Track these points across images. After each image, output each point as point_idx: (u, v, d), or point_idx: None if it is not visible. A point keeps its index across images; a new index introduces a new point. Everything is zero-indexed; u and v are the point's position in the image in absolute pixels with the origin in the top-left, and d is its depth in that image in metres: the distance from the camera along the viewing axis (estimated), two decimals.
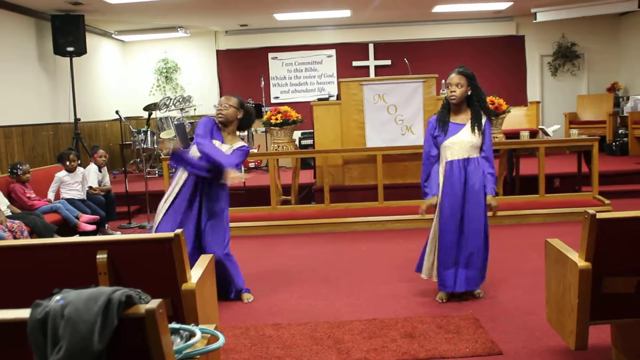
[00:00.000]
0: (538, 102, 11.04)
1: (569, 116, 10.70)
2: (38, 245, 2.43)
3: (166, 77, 11.65)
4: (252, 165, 9.51)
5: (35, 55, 8.44)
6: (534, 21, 10.50)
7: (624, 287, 2.55)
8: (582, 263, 2.50)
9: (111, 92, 10.88)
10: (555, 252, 2.76)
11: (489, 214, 3.92)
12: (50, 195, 6.31)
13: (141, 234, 2.60)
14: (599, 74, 11.36)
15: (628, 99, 10.47)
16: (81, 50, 8.60)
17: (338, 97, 7.60)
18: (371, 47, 11.55)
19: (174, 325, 1.95)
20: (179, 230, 2.34)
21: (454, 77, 3.82)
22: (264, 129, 9.11)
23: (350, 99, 7.03)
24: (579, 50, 11.33)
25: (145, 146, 8.99)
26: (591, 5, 9.77)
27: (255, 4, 8.96)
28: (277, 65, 11.69)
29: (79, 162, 6.80)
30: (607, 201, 6.38)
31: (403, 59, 9.18)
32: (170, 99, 9.96)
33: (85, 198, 6.50)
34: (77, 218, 6.08)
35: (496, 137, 6.88)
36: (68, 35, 8.42)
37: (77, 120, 8.70)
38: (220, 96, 11.53)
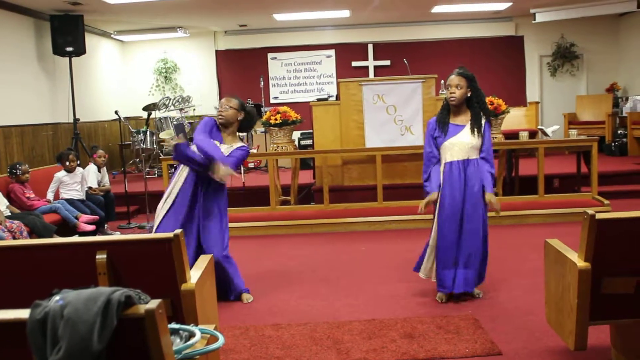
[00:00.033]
0: (537, 103, 11.04)
1: (568, 116, 10.71)
2: (37, 246, 2.43)
3: (165, 77, 11.65)
4: (251, 165, 9.51)
5: (35, 55, 8.43)
6: (533, 22, 10.50)
7: (623, 287, 2.55)
8: (581, 263, 2.50)
9: (110, 92, 10.88)
10: (554, 253, 2.76)
11: (492, 213, 3.91)
12: (50, 195, 6.31)
13: (140, 234, 2.60)
14: (598, 75, 11.37)
15: (627, 99, 10.48)
16: (80, 50, 8.59)
17: (337, 98, 7.60)
18: (370, 48, 11.55)
19: (173, 325, 1.95)
20: (178, 231, 2.34)
21: (454, 79, 3.82)
22: (263, 129, 9.11)
23: (350, 99, 7.04)
24: (578, 50, 11.34)
25: (144, 146, 8.98)
26: (590, 5, 9.78)
27: (255, 4, 8.96)
28: (276, 66, 11.69)
29: (78, 162, 6.80)
30: (606, 201, 6.38)
31: (402, 59, 9.18)
32: (170, 99, 9.96)
33: (85, 198, 6.50)
34: (77, 218, 6.08)
35: (495, 138, 6.88)
36: (67, 35, 8.42)
37: (76, 120, 8.70)
38: (220, 96, 11.56)
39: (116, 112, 7.45)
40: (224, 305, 3.97)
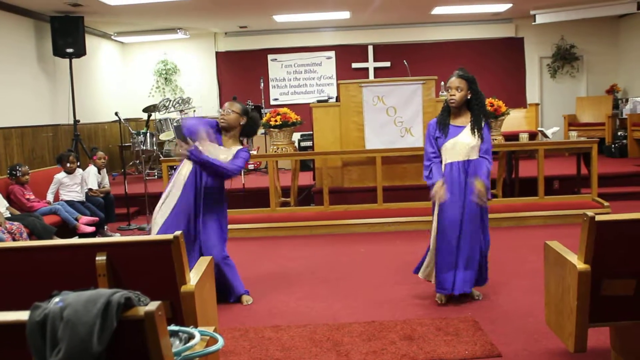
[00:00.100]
0: (537, 104, 11.05)
1: (568, 118, 10.72)
2: (37, 247, 2.43)
3: (165, 78, 11.66)
4: (251, 167, 9.51)
5: (35, 56, 8.44)
6: (533, 23, 10.51)
7: (623, 289, 2.55)
8: (581, 265, 2.50)
9: (110, 94, 10.88)
10: (554, 254, 2.76)
11: (477, 200, 3.76)
12: (50, 196, 6.31)
13: (140, 236, 2.60)
14: (598, 76, 11.38)
15: (627, 101, 10.48)
16: (80, 51, 8.60)
17: (337, 99, 7.61)
18: (370, 49, 11.56)
19: (173, 327, 1.95)
20: (178, 232, 2.34)
21: (454, 81, 3.82)
22: (263, 131, 9.11)
23: (350, 100, 7.04)
24: (578, 52, 11.34)
25: (144, 148, 8.99)
26: (590, 7, 9.79)
27: (255, 5, 8.97)
28: (276, 67, 11.70)
29: (78, 163, 6.80)
30: (606, 203, 6.38)
31: (402, 60, 9.19)
32: (170, 101, 9.97)
33: (85, 200, 6.50)
34: (77, 220, 6.08)
35: (495, 139, 6.87)
36: (67, 37, 8.43)
37: (76, 121, 8.71)
38: (220, 98, 11.58)
39: (116, 114, 7.45)
40: (223, 307, 3.97)
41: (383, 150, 6.78)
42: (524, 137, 7.15)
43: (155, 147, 9.33)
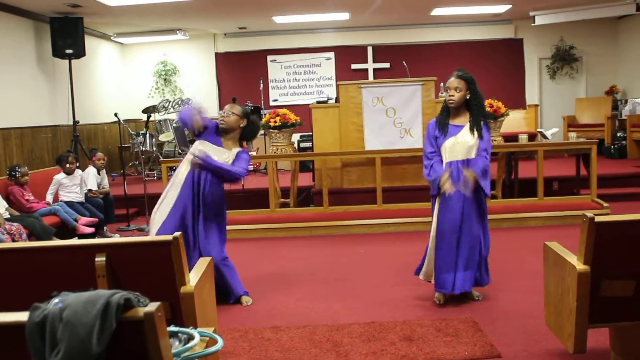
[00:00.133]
0: (537, 105, 11.05)
1: (568, 119, 10.73)
2: (36, 248, 2.43)
3: (165, 79, 11.66)
4: (250, 168, 9.51)
5: (34, 57, 8.44)
6: (533, 24, 10.52)
7: (622, 290, 2.55)
8: (580, 266, 2.50)
9: (110, 95, 10.88)
10: (553, 255, 2.76)
11: (461, 186, 3.72)
12: (49, 197, 6.31)
13: (140, 237, 2.60)
14: (598, 77, 11.39)
15: (626, 102, 10.49)
16: (80, 52, 8.60)
17: (337, 100, 7.61)
18: (370, 50, 11.56)
19: (172, 328, 1.95)
20: (177, 233, 2.34)
21: (453, 81, 3.82)
22: (262, 132, 9.11)
23: (349, 101, 7.04)
24: (577, 53, 11.35)
25: (144, 149, 8.99)
26: (589, 8, 9.80)
27: (254, 6, 8.98)
28: (275, 68, 11.70)
29: (78, 164, 6.80)
30: (605, 204, 6.38)
31: (402, 61, 9.19)
32: (169, 102, 9.97)
33: (84, 200, 6.49)
34: (76, 221, 6.08)
35: (495, 140, 6.88)
36: (67, 38, 8.43)
37: (75, 122, 8.70)
38: (219, 99, 11.58)
39: (116, 115, 7.45)
40: (223, 308, 3.96)
41: (382, 151, 6.78)
42: (523, 138, 7.15)
43: (154, 148, 9.33)
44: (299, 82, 11.73)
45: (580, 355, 2.72)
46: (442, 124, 3.88)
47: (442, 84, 7.79)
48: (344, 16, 10.12)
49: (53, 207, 6.05)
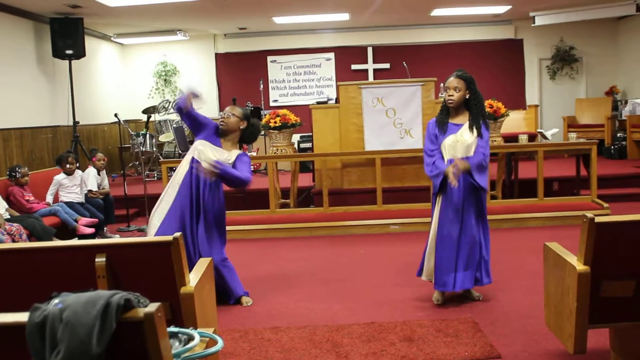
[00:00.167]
0: (537, 106, 11.06)
1: (568, 120, 10.73)
2: (37, 249, 2.43)
3: (165, 80, 11.66)
4: (250, 168, 9.50)
5: (34, 58, 8.44)
6: (533, 25, 10.52)
7: (622, 290, 2.55)
8: (580, 267, 2.50)
9: (110, 95, 10.89)
10: (553, 256, 2.76)
11: (450, 171, 3.69)
12: (49, 198, 6.31)
13: (140, 238, 2.60)
14: (598, 78, 11.39)
15: (626, 102, 10.50)
16: (80, 53, 8.60)
17: (337, 101, 7.61)
18: (370, 51, 11.57)
19: (172, 328, 1.95)
20: (177, 234, 2.34)
21: (452, 81, 3.82)
22: (262, 133, 9.12)
23: (349, 102, 7.04)
24: (577, 53, 11.36)
25: (144, 149, 8.99)
26: (589, 9, 9.80)
27: (254, 7, 8.98)
28: (275, 69, 11.70)
29: (78, 165, 6.80)
30: (605, 205, 6.38)
31: (402, 62, 9.20)
32: (169, 102, 9.98)
33: (84, 201, 6.49)
34: (76, 221, 6.08)
35: (495, 141, 6.88)
36: (67, 38, 8.43)
37: (75, 123, 8.71)
38: (220, 99, 11.59)
39: (116, 115, 7.45)
40: (223, 309, 3.96)
41: (382, 152, 6.78)
42: (523, 139, 7.15)
43: (154, 149, 9.34)
44: (299, 82, 11.73)
45: (580, 356, 2.72)
46: (441, 123, 3.89)
47: (441, 85, 7.80)
48: (344, 17, 10.13)
49: (53, 207, 6.05)
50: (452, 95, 3.81)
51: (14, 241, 5.06)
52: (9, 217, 5.55)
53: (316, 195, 7.19)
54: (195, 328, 2.12)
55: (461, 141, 3.81)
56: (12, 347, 1.57)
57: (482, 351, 3.16)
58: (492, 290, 4.16)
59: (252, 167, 9.42)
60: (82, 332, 1.46)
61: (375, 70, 11.54)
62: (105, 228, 6.66)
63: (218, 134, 4.13)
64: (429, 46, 11.54)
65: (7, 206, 5.72)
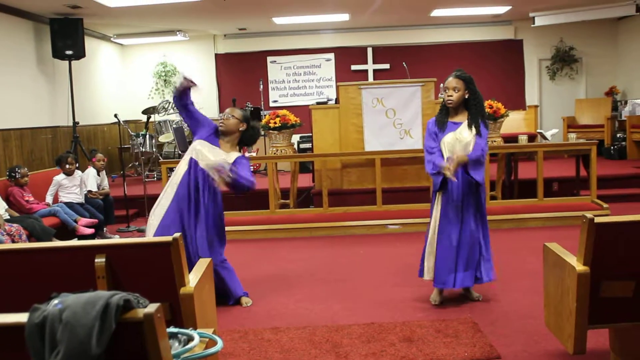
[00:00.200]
0: (536, 106, 11.06)
1: (567, 120, 10.73)
2: (36, 249, 2.43)
3: (165, 80, 11.66)
4: (251, 170, 9.50)
5: (34, 58, 8.44)
6: (532, 25, 10.53)
7: (622, 291, 2.55)
8: (580, 267, 2.50)
9: (110, 96, 10.89)
10: (553, 256, 2.76)
11: (448, 163, 3.72)
12: (49, 198, 6.31)
13: (140, 238, 2.60)
14: (597, 78, 11.40)
15: (626, 103, 10.50)
16: (80, 53, 8.60)
17: (337, 101, 7.60)
18: (370, 51, 11.57)
19: (172, 329, 1.95)
20: (177, 234, 2.34)
21: (451, 81, 3.83)
22: (262, 133, 9.12)
23: (349, 102, 7.04)
24: (577, 54, 11.36)
25: (143, 150, 8.99)
26: (589, 9, 9.81)
27: (254, 7, 8.98)
28: (275, 69, 11.71)
29: (77, 165, 6.80)
30: (605, 205, 6.38)
31: (401, 62, 9.20)
32: (169, 103, 9.98)
33: (84, 202, 6.49)
34: (76, 222, 6.08)
35: (495, 141, 6.89)
36: (67, 39, 8.43)
37: (75, 123, 8.71)
38: (219, 100, 11.59)
39: (115, 116, 7.45)
40: (222, 309, 3.96)
41: (382, 152, 6.78)
42: (523, 139, 7.15)
43: (154, 149, 9.33)
44: (298, 83, 11.73)
45: (580, 356, 2.72)
46: (441, 122, 3.89)
47: (441, 85, 7.80)
48: (343, 17, 10.13)
49: (53, 208, 6.05)
50: (451, 96, 3.82)
51: (13, 242, 5.06)
52: (8, 217, 5.55)
53: (316, 196, 7.19)
54: (195, 328, 2.12)
55: (460, 139, 3.81)
56: (11, 347, 1.57)
57: (481, 351, 3.16)
58: (492, 290, 4.16)
59: (251, 167, 9.43)
60: (82, 333, 1.46)
61: (375, 70, 11.54)
62: (105, 228, 6.66)
63: (218, 135, 4.14)
64: (428, 46, 11.54)
65: (6, 207, 5.72)
